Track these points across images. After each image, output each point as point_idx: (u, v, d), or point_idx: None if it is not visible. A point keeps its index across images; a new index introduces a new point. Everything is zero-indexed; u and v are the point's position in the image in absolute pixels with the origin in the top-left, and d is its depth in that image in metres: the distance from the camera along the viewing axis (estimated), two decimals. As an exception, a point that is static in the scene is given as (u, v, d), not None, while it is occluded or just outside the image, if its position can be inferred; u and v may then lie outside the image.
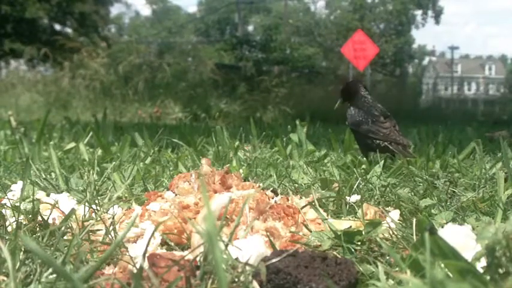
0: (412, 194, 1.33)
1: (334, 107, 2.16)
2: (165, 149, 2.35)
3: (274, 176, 1.57)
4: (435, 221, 1.07)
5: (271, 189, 1.30)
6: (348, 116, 2.08)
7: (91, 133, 2.57)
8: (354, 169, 1.65)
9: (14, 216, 1.03)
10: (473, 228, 0.85)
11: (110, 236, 0.97)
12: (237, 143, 2.33)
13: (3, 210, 1.06)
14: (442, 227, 0.92)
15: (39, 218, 1.03)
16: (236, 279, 0.72)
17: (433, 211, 1.18)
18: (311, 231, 0.98)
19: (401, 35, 29.92)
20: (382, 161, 1.77)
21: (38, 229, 1.02)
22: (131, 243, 0.91)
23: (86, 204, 1.15)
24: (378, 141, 1.95)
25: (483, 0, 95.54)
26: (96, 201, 1.21)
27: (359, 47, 10.31)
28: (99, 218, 1.05)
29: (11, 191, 1.26)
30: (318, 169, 1.79)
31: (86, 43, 13.14)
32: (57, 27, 17.73)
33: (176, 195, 1.14)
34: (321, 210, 1.05)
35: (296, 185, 1.50)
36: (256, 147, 2.45)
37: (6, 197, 1.18)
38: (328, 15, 31.28)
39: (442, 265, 0.64)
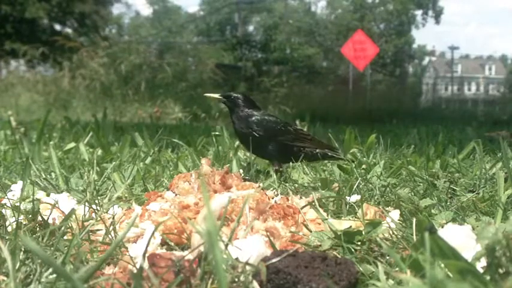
0: (412, 194, 1.33)
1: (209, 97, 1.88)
2: (165, 149, 2.34)
3: (274, 176, 1.57)
4: (435, 221, 1.07)
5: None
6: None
7: (91, 133, 2.57)
8: (354, 169, 1.65)
9: (14, 216, 1.03)
10: (473, 228, 0.85)
11: (110, 236, 0.97)
12: (237, 142, 2.33)
13: (3, 210, 1.06)
14: (442, 227, 0.92)
15: (39, 218, 1.03)
16: (236, 279, 0.72)
17: (433, 211, 1.18)
18: (311, 231, 0.98)
19: (401, 35, 29.91)
20: (382, 162, 1.77)
21: (38, 229, 1.02)
22: (131, 243, 0.91)
23: (86, 204, 1.15)
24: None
25: (484, 0, 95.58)
26: (96, 201, 1.21)
27: (359, 47, 10.31)
28: (99, 218, 1.05)
29: (11, 191, 1.26)
30: (318, 169, 1.79)
31: (86, 43, 13.15)
32: (57, 27, 17.75)
33: (176, 195, 1.14)
34: (321, 210, 1.05)
35: (296, 185, 1.50)
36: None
37: (6, 197, 1.18)
38: (328, 15, 31.27)
39: (442, 265, 0.64)
